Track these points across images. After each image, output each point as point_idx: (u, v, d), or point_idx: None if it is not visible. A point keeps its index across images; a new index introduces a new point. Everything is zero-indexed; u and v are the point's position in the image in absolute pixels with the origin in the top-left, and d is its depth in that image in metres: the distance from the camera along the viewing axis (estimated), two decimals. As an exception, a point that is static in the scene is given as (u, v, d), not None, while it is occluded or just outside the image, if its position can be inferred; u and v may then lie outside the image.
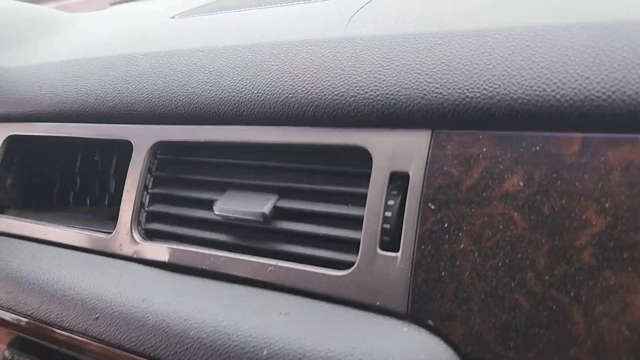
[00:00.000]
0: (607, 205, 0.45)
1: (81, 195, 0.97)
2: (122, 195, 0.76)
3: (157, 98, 0.73)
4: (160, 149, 0.75)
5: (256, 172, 0.69)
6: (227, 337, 0.56)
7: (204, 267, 0.67)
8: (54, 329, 0.71)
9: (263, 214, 0.64)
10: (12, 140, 0.92)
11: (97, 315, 0.66)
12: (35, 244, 0.84)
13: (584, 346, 0.45)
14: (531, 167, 0.49)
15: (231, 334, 0.56)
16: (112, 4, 1.59)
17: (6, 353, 0.79)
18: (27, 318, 0.74)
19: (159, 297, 0.64)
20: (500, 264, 0.49)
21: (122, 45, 0.86)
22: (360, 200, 0.59)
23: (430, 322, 0.52)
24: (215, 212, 0.67)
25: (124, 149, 0.78)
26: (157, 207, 0.75)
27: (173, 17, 0.95)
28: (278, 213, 0.65)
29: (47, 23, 1.12)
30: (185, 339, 0.59)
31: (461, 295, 0.50)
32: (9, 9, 1.13)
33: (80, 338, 0.68)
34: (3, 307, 0.77)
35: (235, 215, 0.66)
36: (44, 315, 0.71)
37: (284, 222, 0.65)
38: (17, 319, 0.75)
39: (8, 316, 0.76)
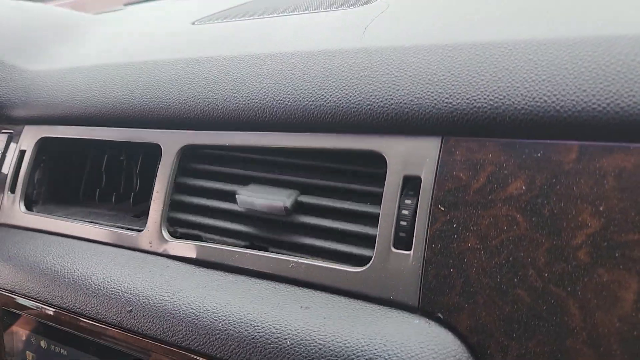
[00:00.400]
0: (601, 208, 0.48)
1: (106, 192, 1.00)
2: (148, 195, 0.78)
3: (184, 104, 0.74)
4: (187, 151, 0.77)
5: (277, 170, 0.71)
6: (253, 328, 0.59)
7: (230, 263, 0.69)
8: (89, 321, 0.73)
9: (285, 208, 0.66)
10: (42, 140, 0.94)
11: (130, 308, 0.68)
12: (67, 240, 0.85)
13: (579, 336, 0.48)
14: (533, 172, 0.51)
15: (257, 325, 0.59)
16: (126, 4, 1.61)
17: (42, 343, 0.81)
18: (63, 310, 0.75)
19: (188, 291, 0.66)
20: (504, 261, 0.51)
21: (146, 51, 0.88)
22: (375, 201, 0.61)
23: (439, 314, 0.54)
24: (239, 206, 0.69)
25: (148, 149, 0.80)
26: (182, 197, 0.77)
27: (194, 23, 0.96)
28: (298, 207, 0.67)
29: (70, 26, 1.13)
30: (214, 330, 0.61)
31: (468, 290, 0.53)
32: (34, 12, 1.14)
33: (115, 329, 0.70)
34: (40, 299, 0.78)
35: (258, 209, 0.68)
36: (79, 308, 0.73)
37: (303, 216, 0.67)
38: (53, 311, 0.77)
39: (44, 308, 0.78)
